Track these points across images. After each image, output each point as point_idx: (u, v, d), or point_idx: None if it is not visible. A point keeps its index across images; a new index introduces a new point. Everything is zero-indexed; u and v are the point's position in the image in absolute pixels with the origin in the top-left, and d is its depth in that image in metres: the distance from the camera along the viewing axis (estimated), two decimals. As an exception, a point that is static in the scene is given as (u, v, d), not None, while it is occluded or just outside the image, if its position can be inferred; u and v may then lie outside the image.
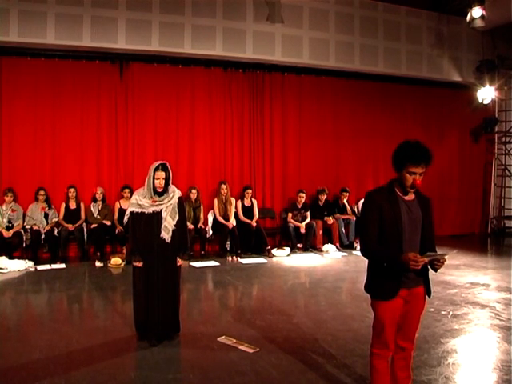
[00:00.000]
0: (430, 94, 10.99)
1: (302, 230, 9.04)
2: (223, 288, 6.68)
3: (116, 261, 7.54)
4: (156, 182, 4.15)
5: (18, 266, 7.21)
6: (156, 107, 8.96)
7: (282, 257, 8.52)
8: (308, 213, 9.25)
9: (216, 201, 8.82)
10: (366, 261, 2.90)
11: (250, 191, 9.03)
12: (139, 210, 4.20)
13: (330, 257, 8.66)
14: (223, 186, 8.82)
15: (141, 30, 8.27)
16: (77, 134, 8.54)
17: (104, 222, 8.10)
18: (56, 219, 8.00)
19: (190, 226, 8.10)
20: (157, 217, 4.17)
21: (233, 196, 9.02)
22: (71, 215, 8.10)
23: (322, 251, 9.00)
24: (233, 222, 8.68)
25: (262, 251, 8.68)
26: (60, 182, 8.37)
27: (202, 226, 8.56)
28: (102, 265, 7.57)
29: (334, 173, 10.27)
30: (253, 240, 8.82)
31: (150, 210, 4.17)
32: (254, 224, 8.81)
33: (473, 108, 11.06)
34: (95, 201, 8.25)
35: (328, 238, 9.42)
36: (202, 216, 8.66)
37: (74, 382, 3.48)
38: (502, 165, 11.61)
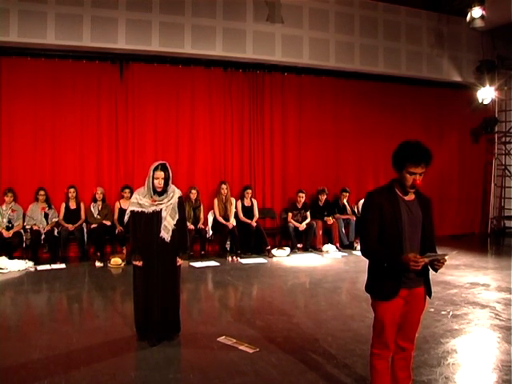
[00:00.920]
0: (430, 94, 10.99)
1: (302, 229, 9.03)
2: (223, 288, 6.68)
3: (116, 261, 7.54)
4: (155, 181, 4.15)
5: (18, 266, 7.21)
6: (156, 107, 8.96)
7: (282, 257, 8.52)
8: (308, 213, 9.25)
9: (216, 201, 8.82)
10: (366, 261, 2.90)
11: (249, 191, 9.02)
12: (139, 210, 4.20)
13: (330, 257, 8.66)
14: (223, 186, 8.82)
15: (141, 29, 8.27)
16: (77, 134, 8.54)
17: (104, 222, 8.10)
18: (56, 219, 8.00)
19: (190, 226, 8.10)
20: (157, 216, 4.17)
21: (233, 196, 9.02)
22: (71, 215, 8.10)
23: (322, 251, 9.00)
24: (233, 222, 8.68)
25: (262, 251, 8.69)
26: (60, 182, 8.37)
27: (202, 226, 8.56)
28: (102, 265, 7.57)
29: (334, 173, 10.27)
30: (253, 240, 8.81)
31: (150, 209, 4.18)
32: (254, 224, 8.81)
33: (473, 108, 11.06)
34: (95, 201, 8.25)
35: (328, 238, 9.42)
36: (202, 216, 8.66)
37: (74, 382, 3.48)
38: (502, 165, 11.61)
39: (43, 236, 7.71)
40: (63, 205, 8.13)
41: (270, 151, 9.76)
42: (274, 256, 8.53)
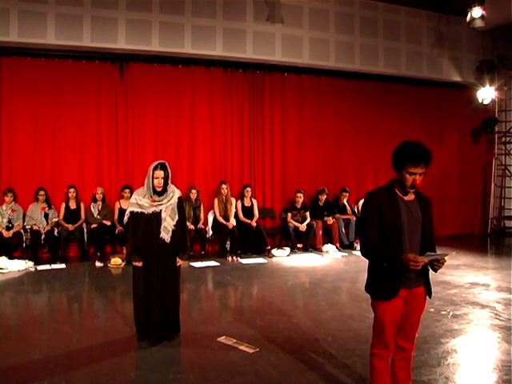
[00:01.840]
0: (430, 94, 10.99)
1: (302, 229, 9.03)
2: (223, 288, 6.68)
3: (116, 261, 7.54)
4: (155, 181, 4.15)
5: (18, 266, 7.21)
6: (156, 107, 8.96)
7: (282, 257, 8.52)
8: (308, 213, 9.25)
9: (216, 201, 8.82)
10: (366, 261, 2.90)
11: (249, 189, 9.02)
12: (139, 210, 4.20)
13: (330, 257, 8.66)
14: (223, 186, 8.82)
15: (141, 29, 8.27)
16: (77, 134, 8.54)
17: (104, 222, 8.10)
18: (56, 219, 8.00)
19: (190, 226, 8.10)
20: (156, 217, 4.17)
21: (233, 196, 9.02)
22: (71, 215, 8.10)
23: (322, 251, 9.00)
24: (233, 222, 8.68)
25: (262, 251, 8.68)
26: (60, 182, 8.36)
27: (202, 226, 8.56)
28: (102, 265, 7.57)
29: (334, 173, 10.27)
30: (253, 240, 8.81)
31: (150, 210, 4.17)
32: (254, 224, 8.80)
33: (473, 108, 11.06)
34: (95, 201, 8.25)
35: (328, 238, 9.42)
36: (202, 216, 8.66)
37: (73, 382, 3.48)
38: (502, 165, 11.61)
39: (43, 236, 7.70)
40: (63, 205, 8.13)
41: (270, 151, 9.76)
42: (273, 256, 8.53)
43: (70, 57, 8.43)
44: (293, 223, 9.10)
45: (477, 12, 8.93)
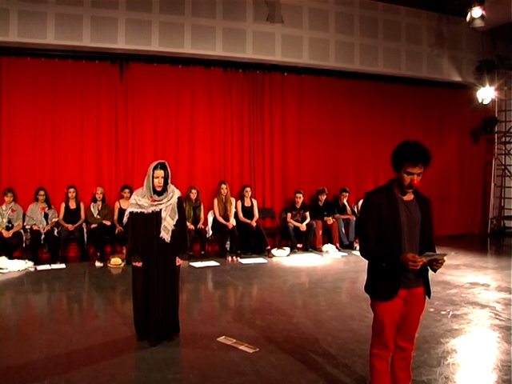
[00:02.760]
0: (430, 94, 10.99)
1: (303, 229, 9.04)
2: (223, 288, 6.68)
3: (116, 261, 7.54)
4: (155, 180, 4.15)
5: (18, 266, 7.21)
6: (156, 107, 8.96)
7: (282, 257, 8.52)
8: (308, 213, 9.25)
9: (216, 201, 8.82)
10: (366, 261, 2.90)
11: (248, 189, 9.02)
12: (138, 210, 4.20)
13: (329, 257, 8.66)
14: (223, 186, 8.82)
15: (141, 29, 8.27)
16: (77, 134, 8.54)
17: (104, 222, 8.10)
18: (56, 219, 8.00)
19: (190, 226, 8.10)
20: (156, 217, 4.17)
21: (233, 196, 9.03)
22: (71, 215, 8.10)
23: (321, 251, 9.00)
24: (233, 222, 8.68)
25: (262, 251, 8.69)
26: (60, 182, 8.36)
27: (202, 226, 8.56)
28: (101, 265, 7.57)
29: (334, 173, 10.27)
30: (253, 240, 8.82)
31: (150, 210, 4.18)
32: (254, 224, 8.80)
33: (473, 108, 11.07)
34: (95, 201, 8.25)
35: (328, 238, 9.42)
36: (201, 216, 8.66)
37: (73, 383, 3.48)
38: (502, 165, 11.61)
39: (43, 236, 7.70)
40: (63, 205, 8.13)
41: (270, 151, 9.76)
42: (273, 256, 8.53)
43: (70, 57, 8.43)
44: (293, 223, 9.10)
45: (477, 12, 8.93)
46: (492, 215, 11.80)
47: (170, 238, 4.18)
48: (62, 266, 7.50)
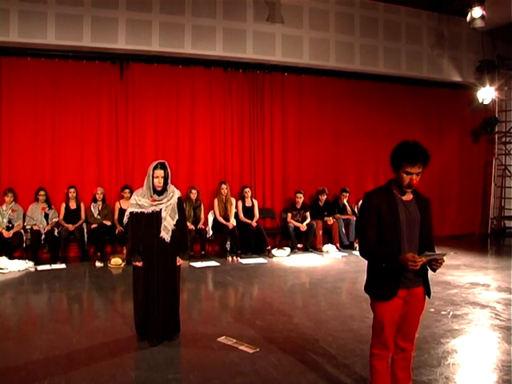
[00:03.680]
0: (430, 94, 10.99)
1: (303, 229, 9.03)
2: (223, 288, 6.68)
3: (116, 261, 7.54)
4: (155, 180, 4.16)
5: (18, 266, 7.21)
6: (156, 107, 8.96)
7: (282, 257, 8.52)
8: (308, 213, 9.25)
9: (216, 201, 8.82)
10: (366, 261, 2.90)
11: (247, 190, 9.02)
12: (139, 210, 4.20)
13: (330, 257, 8.66)
14: (223, 186, 8.82)
15: (141, 29, 8.27)
16: (77, 134, 8.54)
17: (104, 222, 8.10)
18: (56, 219, 8.00)
19: (190, 226, 8.10)
20: (156, 217, 4.17)
21: (233, 196, 9.03)
22: (71, 215, 8.10)
23: (322, 251, 9.00)
24: (233, 222, 8.68)
25: (262, 251, 8.69)
26: (60, 182, 8.37)
27: (202, 226, 8.56)
28: (102, 265, 7.57)
29: (334, 173, 10.27)
30: (253, 240, 8.82)
31: (150, 209, 4.18)
32: (254, 224, 8.80)
33: (473, 108, 11.07)
34: (95, 201, 8.25)
35: (328, 239, 9.42)
36: (202, 216, 8.66)
37: (74, 382, 3.48)
38: (502, 165, 11.61)
39: (43, 236, 7.70)
40: (63, 205, 8.13)
41: (270, 151, 9.77)
42: (274, 256, 8.53)
43: (70, 57, 8.43)
44: (293, 223, 9.10)
45: (477, 12, 8.93)
46: (492, 215, 11.80)
47: (170, 238, 4.18)
48: (63, 266, 7.50)
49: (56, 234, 7.81)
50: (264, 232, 8.85)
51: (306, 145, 10.01)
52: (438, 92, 11.03)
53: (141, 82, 8.85)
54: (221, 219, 8.69)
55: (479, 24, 9.05)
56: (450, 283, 6.52)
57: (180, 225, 4.26)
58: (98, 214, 8.18)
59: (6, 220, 7.66)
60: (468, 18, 9.12)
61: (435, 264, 2.67)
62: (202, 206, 8.74)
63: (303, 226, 9.05)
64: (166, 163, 4.26)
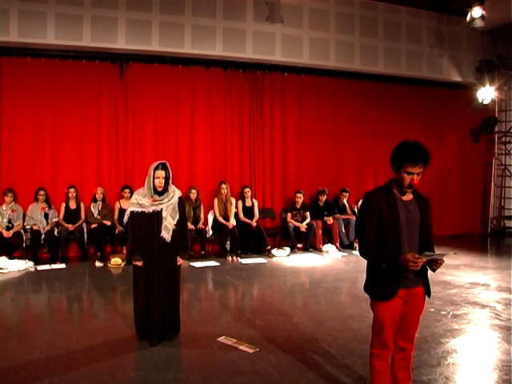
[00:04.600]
0: (430, 94, 10.99)
1: (303, 229, 9.04)
2: (223, 288, 6.68)
3: (116, 261, 7.54)
4: (156, 181, 4.16)
5: (18, 266, 7.21)
6: (156, 107, 8.96)
7: (282, 257, 8.53)
8: (308, 213, 9.25)
9: (216, 201, 8.82)
10: (366, 261, 2.90)
11: (246, 190, 9.02)
12: (139, 210, 4.20)
13: (330, 257, 8.66)
14: (223, 186, 8.82)
15: (141, 30, 8.27)
16: (77, 134, 8.54)
17: (104, 222, 8.10)
18: (56, 219, 8.00)
19: (190, 225, 8.09)
20: (157, 216, 4.18)
21: (233, 196, 9.03)
22: (71, 215, 8.10)
23: (322, 251, 9.00)
24: (233, 222, 8.68)
25: (262, 251, 8.69)
26: (60, 182, 8.36)
27: (202, 226, 8.56)
28: (102, 265, 7.57)
29: (334, 173, 10.27)
30: (253, 240, 8.82)
31: (150, 209, 4.18)
32: (254, 224, 8.80)
33: (473, 108, 11.07)
34: (95, 201, 8.25)
35: (328, 238, 9.42)
36: (202, 216, 8.66)
37: (74, 382, 3.48)
38: (502, 165, 11.61)
39: (43, 236, 7.70)
40: (63, 205, 8.13)
41: (270, 151, 9.77)
42: (273, 256, 8.53)
43: (70, 57, 8.43)
44: (293, 223, 9.10)
45: (477, 12, 8.93)
46: (492, 215, 11.80)
47: (170, 238, 4.18)
48: (62, 266, 7.50)
49: (56, 233, 7.81)
50: (264, 232, 8.84)
51: (305, 145, 10.01)
52: (438, 92, 11.03)
53: (141, 81, 8.85)
54: (221, 219, 8.69)
55: (479, 24, 9.06)
56: (450, 283, 6.53)
57: (180, 225, 4.26)
58: (98, 214, 8.18)
59: (5, 220, 7.65)
60: (468, 18, 9.13)
61: (435, 264, 2.67)
62: (202, 206, 8.74)
63: (303, 226, 9.06)
64: (167, 164, 4.26)
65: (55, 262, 7.59)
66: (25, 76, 8.22)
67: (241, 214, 8.91)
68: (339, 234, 9.37)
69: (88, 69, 8.55)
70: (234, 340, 4.30)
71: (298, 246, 9.19)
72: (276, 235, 9.57)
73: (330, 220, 9.32)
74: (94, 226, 8.00)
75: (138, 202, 4.22)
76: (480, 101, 10.78)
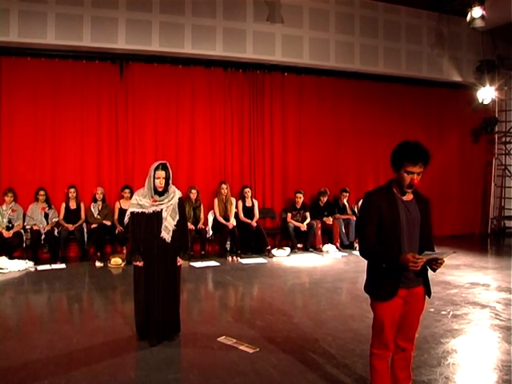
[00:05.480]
0: (430, 94, 10.99)
1: (303, 229, 9.03)
2: (223, 288, 6.68)
3: (116, 261, 7.54)
4: (156, 181, 4.16)
5: (18, 266, 7.21)
6: (156, 107, 8.96)
7: (282, 257, 8.52)
8: (308, 213, 9.25)
9: (216, 201, 8.82)
10: (366, 261, 2.90)
11: (246, 190, 9.02)
12: (139, 210, 4.20)
13: (330, 257, 8.66)
14: (223, 186, 8.82)
15: (141, 29, 8.28)
16: (77, 134, 8.54)
17: (104, 222, 8.10)
18: (56, 219, 8.00)
19: (190, 226, 8.09)
20: (157, 217, 4.18)
21: (233, 196, 9.02)
22: (71, 215, 8.10)
23: (322, 251, 9.00)
24: (233, 222, 8.68)
25: (262, 251, 8.69)
26: (60, 182, 8.37)
27: (202, 226, 8.55)
28: (102, 265, 7.56)
29: (334, 173, 10.27)
30: (253, 240, 8.81)
31: (151, 209, 4.18)
32: (254, 224, 8.80)
33: (473, 108, 11.07)
34: (95, 201, 8.25)
35: (328, 238, 9.42)
36: (202, 216, 8.66)
37: (74, 382, 3.48)
38: (502, 165, 11.61)
39: (43, 236, 7.70)
40: (63, 205, 8.13)
41: (270, 151, 9.77)
42: (274, 256, 8.53)
43: (70, 57, 8.43)
44: (293, 223, 9.10)
45: (477, 12, 8.93)
46: (492, 215, 11.80)
47: (170, 238, 4.18)
48: (63, 266, 7.50)
49: (56, 233, 7.81)
50: (264, 232, 8.84)
51: (306, 144, 10.01)
52: (437, 92, 11.03)
53: (141, 81, 8.86)
54: (221, 219, 8.69)
55: (479, 24, 9.06)
56: (450, 283, 6.52)
57: (180, 225, 4.27)
58: (98, 214, 8.18)
59: (5, 220, 7.65)
60: (468, 18, 9.13)
61: (435, 264, 2.67)
62: (202, 206, 8.74)
63: (303, 226, 9.06)
64: (168, 164, 4.26)
65: (55, 262, 7.59)
66: (25, 76, 8.22)
67: (241, 214, 8.91)
68: (339, 234, 9.37)
69: (88, 69, 8.55)
70: (234, 340, 4.30)
71: (298, 246, 9.18)
72: (276, 235, 9.57)
73: (329, 220, 9.32)
74: (94, 226, 8.00)
75: (138, 202, 4.22)
76: (480, 101, 10.79)
